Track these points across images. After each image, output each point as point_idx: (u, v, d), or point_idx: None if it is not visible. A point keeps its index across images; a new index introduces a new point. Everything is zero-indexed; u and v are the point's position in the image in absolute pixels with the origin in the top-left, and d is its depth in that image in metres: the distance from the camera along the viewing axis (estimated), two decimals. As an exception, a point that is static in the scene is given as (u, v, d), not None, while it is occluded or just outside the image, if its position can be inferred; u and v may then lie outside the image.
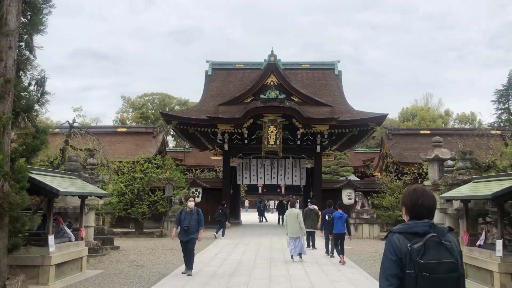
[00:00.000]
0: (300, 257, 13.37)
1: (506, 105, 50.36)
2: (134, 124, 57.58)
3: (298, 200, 27.62)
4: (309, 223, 16.69)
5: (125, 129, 29.69)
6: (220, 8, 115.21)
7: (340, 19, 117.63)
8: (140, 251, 16.08)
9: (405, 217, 2.94)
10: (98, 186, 15.37)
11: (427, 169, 22.96)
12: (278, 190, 55.43)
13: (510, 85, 48.58)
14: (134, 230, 23.09)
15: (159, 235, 22.05)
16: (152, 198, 21.99)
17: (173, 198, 22.59)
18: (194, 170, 47.62)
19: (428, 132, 29.62)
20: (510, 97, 49.94)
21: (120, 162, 22.71)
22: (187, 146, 49.03)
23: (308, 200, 18.77)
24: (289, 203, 14.90)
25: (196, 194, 24.36)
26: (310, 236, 16.75)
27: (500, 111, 50.18)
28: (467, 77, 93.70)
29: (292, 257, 13.15)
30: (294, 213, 13.54)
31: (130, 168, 22.12)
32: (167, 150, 49.98)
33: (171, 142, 65.13)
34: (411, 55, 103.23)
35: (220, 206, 21.92)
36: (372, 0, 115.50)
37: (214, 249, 16.42)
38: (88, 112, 69.92)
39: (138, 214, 21.88)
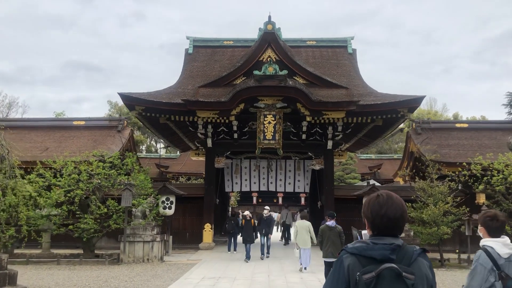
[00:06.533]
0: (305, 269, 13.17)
1: (519, 108, 45.71)
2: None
3: (298, 214, 21.57)
4: (328, 249, 10.68)
5: (83, 122, 23.35)
6: (209, 23, 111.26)
7: (328, 34, 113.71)
8: (57, 297, 9.87)
9: (368, 232, 2.30)
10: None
11: (476, 170, 17.14)
12: (275, 200, 49.37)
13: (523, 87, 43.76)
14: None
15: (112, 261, 15.84)
16: (102, 210, 15.71)
17: (133, 209, 16.38)
18: (180, 178, 41.92)
19: (466, 125, 23.58)
20: (523, 99, 45.42)
21: (64, 161, 16.64)
22: (177, 152, 42.91)
23: (326, 214, 12.31)
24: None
25: (167, 204, 18.11)
26: (331, 268, 10.61)
27: (512, 115, 45.72)
28: (454, 90, 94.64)
29: (305, 268, 13.19)
30: (306, 225, 13.20)
31: (72, 170, 15.92)
32: (151, 157, 43.79)
33: (162, 150, 59.11)
34: (398, 69, 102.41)
35: (231, 217, 19.40)
36: (360, 16, 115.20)
37: (177, 293, 10.20)
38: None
39: (82, 232, 15.64)
